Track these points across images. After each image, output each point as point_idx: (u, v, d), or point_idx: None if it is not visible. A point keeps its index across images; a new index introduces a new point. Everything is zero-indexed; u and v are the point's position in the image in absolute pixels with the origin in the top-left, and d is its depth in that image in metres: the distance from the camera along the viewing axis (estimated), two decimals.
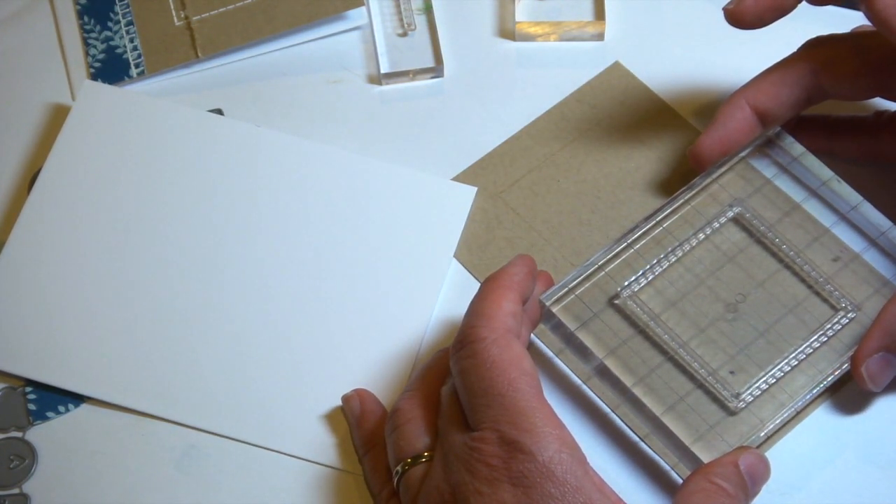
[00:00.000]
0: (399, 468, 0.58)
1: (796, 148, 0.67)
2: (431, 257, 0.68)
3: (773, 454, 0.62)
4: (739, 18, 0.63)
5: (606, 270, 0.64)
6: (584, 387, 0.64)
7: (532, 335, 0.65)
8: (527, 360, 0.56)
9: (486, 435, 0.54)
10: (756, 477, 0.57)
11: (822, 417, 0.63)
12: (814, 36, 0.67)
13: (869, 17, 0.60)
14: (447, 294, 0.68)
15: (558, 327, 0.62)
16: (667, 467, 0.62)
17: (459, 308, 0.66)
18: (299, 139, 0.72)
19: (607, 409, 0.63)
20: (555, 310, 0.63)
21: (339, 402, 0.64)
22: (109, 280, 0.68)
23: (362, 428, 0.63)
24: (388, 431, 0.60)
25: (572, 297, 0.64)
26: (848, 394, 0.63)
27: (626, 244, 0.65)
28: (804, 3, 0.63)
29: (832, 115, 0.69)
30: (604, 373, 0.61)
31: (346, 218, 0.69)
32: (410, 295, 0.67)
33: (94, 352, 0.66)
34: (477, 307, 0.58)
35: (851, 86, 0.64)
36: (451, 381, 0.58)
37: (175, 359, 0.66)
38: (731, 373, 0.62)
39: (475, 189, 0.70)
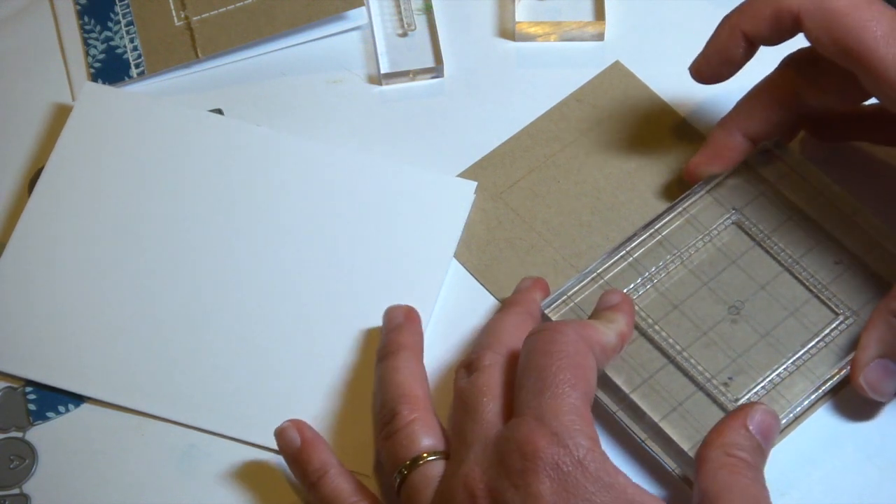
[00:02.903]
0: (404, 468, 0.58)
1: (795, 156, 0.67)
2: (431, 257, 0.68)
3: (772, 454, 0.62)
4: (699, 77, 0.66)
5: (605, 278, 0.64)
6: None
7: None
8: None
9: (526, 422, 0.54)
10: (767, 433, 0.57)
11: (822, 417, 0.63)
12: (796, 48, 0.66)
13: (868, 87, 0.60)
14: (447, 294, 0.67)
15: None
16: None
17: (459, 308, 0.66)
18: (299, 139, 0.71)
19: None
20: (553, 318, 0.63)
21: (340, 403, 0.64)
22: (110, 280, 0.68)
23: (314, 454, 0.61)
24: (383, 436, 0.59)
25: (571, 305, 0.64)
26: (847, 394, 0.63)
27: (625, 252, 0.65)
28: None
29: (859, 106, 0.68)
30: (602, 379, 0.61)
31: (347, 218, 0.69)
32: (410, 295, 0.67)
33: (94, 352, 0.66)
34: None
35: (837, 97, 0.64)
36: (468, 377, 0.58)
37: (175, 359, 0.66)
38: (730, 378, 0.62)
39: (475, 184, 0.70)
